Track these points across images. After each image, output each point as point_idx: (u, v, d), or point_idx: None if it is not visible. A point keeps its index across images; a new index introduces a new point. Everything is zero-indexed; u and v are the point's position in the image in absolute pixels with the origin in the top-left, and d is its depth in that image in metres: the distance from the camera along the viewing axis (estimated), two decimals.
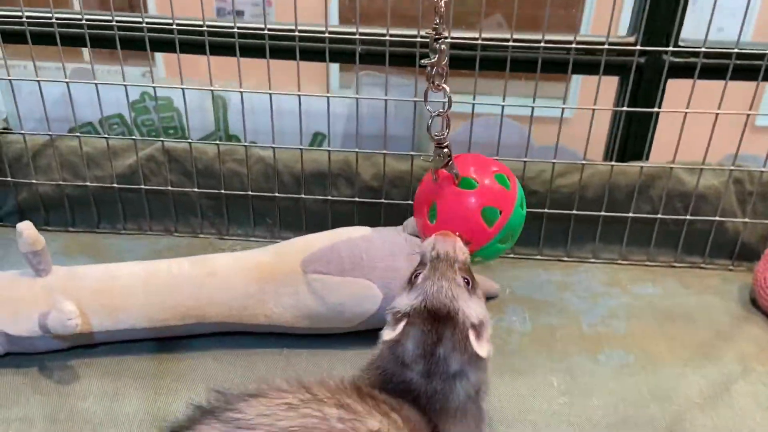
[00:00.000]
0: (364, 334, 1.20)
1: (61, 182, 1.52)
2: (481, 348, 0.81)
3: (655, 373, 1.19)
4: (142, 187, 1.52)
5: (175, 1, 1.32)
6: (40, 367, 1.17)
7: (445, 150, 0.98)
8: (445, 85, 0.98)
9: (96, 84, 1.42)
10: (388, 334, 0.83)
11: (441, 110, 0.99)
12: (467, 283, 0.86)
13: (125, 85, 1.42)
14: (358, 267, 1.19)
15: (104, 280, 1.19)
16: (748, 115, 1.33)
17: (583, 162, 1.42)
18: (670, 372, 1.19)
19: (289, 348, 1.23)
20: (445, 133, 0.98)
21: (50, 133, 1.49)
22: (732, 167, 1.41)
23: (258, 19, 1.38)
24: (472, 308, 0.83)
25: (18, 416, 1.08)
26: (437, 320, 0.81)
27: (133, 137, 1.48)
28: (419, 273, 0.87)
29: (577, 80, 2.32)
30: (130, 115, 1.55)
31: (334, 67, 2.27)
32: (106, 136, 1.48)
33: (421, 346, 0.81)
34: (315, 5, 1.63)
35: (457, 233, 0.92)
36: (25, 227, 1.15)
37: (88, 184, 1.52)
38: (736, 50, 1.30)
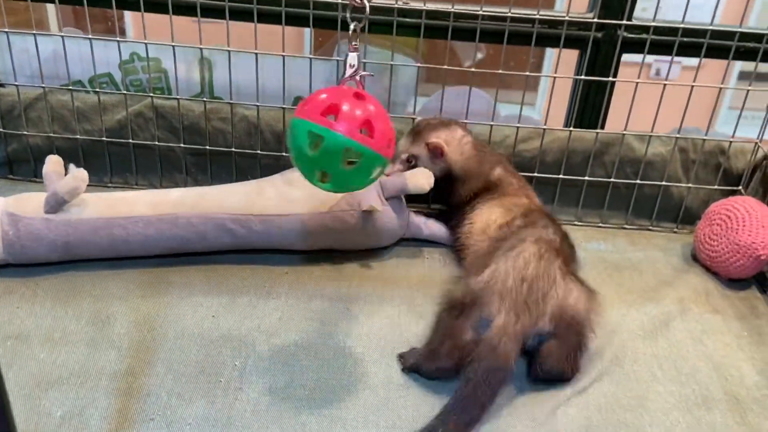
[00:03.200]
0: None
1: (51, 134, 1.59)
2: None
3: (603, 312, 1.31)
4: (131, 141, 1.59)
5: None
6: None
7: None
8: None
9: (90, 39, 1.49)
10: None
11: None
12: None
13: (118, 41, 1.50)
14: None
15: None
16: (692, 87, 1.48)
17: (544, 128, 1.54)
18: (617, 311, 1.32)
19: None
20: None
21: (43, 85, 1.56)
22: (677, 135, 1.55)
23: None
24: None
25: None
26: None
27: (124, 92, 1.56)
28: None
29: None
30: (121, 74, 1.63)
31: (307, 37, 2.36)
32: (97, 90, 1.56)
33: None
34: None
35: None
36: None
37: (77, 136, 1.59)
38: (681, 26, 1.44)
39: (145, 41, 1.51)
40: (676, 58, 1.47)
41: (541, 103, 3.14)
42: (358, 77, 1.07)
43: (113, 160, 1.63)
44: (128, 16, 2.77)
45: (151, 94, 1.57)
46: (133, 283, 1.29)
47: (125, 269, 1.32)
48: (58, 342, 1.14)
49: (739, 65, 3.28)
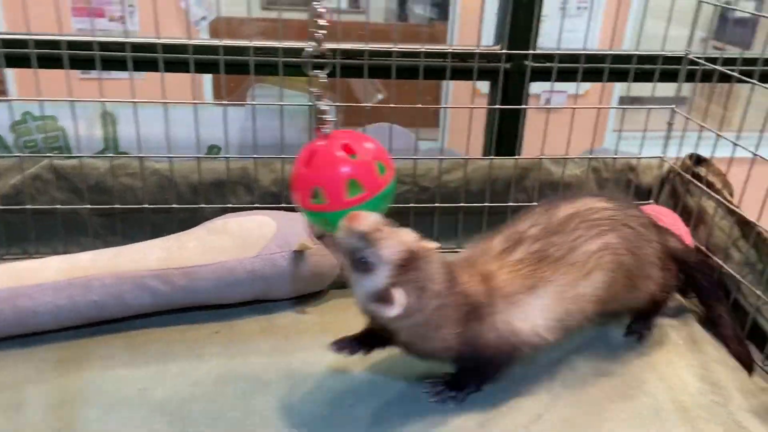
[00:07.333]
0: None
1: None
2: None
3: None
4: (27, 207, 1.46)
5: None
6: None
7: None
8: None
9: None
10: None
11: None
12: None
13: (10, 101, 1.38)
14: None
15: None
16: (599, 110, 1.54)
17: (466, 158, 1.56)
18: None
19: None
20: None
21: None
22: (590, 156, 1.61)
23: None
24: None
25: None
26: None
27: (18, 155, 1.43)
28: None
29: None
30: (12, 136, 1.50)
31: (207, 85, 2.31)
32: None
33: None
34: None
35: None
36: None
37: None
38: (584, 53, 1.51)
39: (40, 98, 1.39)
40: (561, 87, 1.54)
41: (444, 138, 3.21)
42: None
43: (8, 230, 1.48)
44: (10, 75, 2.57)
45: (50, 155, 1.45)
46: (46, 363, 1.15)
47: (36, 346, 1.19)
48: None
49: (618, 91, 3.54)
